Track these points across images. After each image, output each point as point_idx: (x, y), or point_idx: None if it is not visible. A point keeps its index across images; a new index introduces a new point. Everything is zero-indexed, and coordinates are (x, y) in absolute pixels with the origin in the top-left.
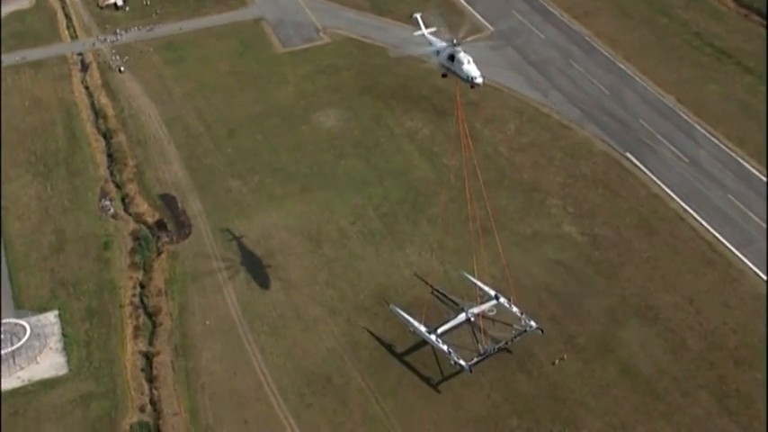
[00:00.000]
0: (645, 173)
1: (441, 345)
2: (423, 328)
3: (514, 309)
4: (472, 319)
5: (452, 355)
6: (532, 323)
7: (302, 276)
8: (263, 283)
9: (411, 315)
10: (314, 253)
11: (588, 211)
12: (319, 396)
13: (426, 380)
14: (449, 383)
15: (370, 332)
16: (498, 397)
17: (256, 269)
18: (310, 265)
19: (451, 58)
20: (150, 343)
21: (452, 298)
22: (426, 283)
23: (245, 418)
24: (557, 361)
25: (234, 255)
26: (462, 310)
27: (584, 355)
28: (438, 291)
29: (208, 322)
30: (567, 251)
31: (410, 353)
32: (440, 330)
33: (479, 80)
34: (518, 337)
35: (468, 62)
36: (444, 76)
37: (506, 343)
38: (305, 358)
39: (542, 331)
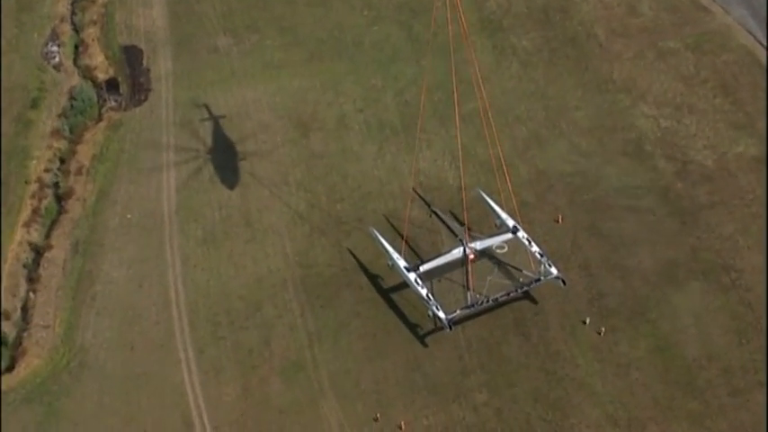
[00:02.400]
0: None
1: (419, 287)
2: (401, 263)
3: (534, 248)
4: (471, 256)
5: (431, 302)
6: (553, 270)
7: (271, 172)
8: (217, 175)
9: (392, 243)
10: (296, 143)
11: (689, 129)
12: (238, 329)
13: (412, 328)
14: (413, 335)
15: (351, 253)
16: (473, 361)
17: (214, 157)
18: (286, 159)
19: None
20: (48, 234)
21: (453, 225)
22: (424, 201)
23: (133, 344)
24: (587, 319)
25: (192, 134)
26: (460, 242)
27: (610, 321)
28: (437, 213)
29: (129, 216)
30: (639, 178)
31: (399, 290)
32: (423, 268)
33: None
34: (527, 288)
35: None
36: None
37: (508, 294)
38: (237, 277)
39: (564, 282)
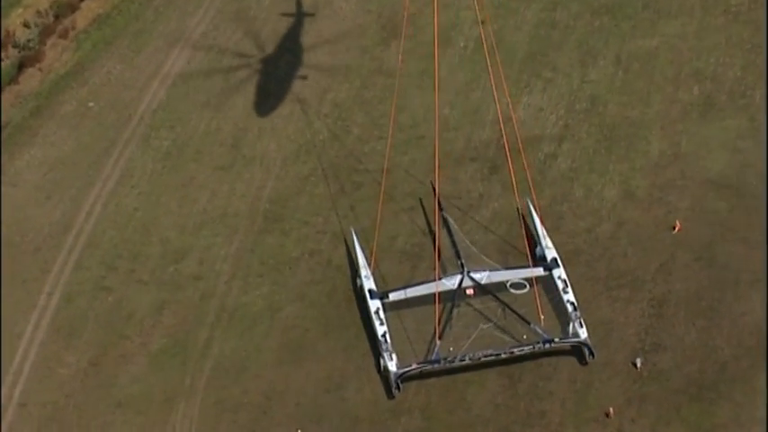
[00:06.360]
0: None
1: (378, 322)
2: (367, 283)
3: (569, 296)
4: (469, 291)
5: (384, 347)
6: (582, 332)
7: (307, 85)
8: (235, 77)
9: (365, 252)
10: (366, 52)
11: None
12: (134, 282)
13: (363, 335)
14: (357, 345)
15: (346, 214)
16: (418, 398)
17: (243, 50)
18: (338, 70)
19: None
20: None
21: (460, 242)
22: (434, 194)
23: None
24: (638, 361)
25: (234, 15)
26: (461, 268)
27: (646, 387)
28: (448, 221)
29: (91, 104)
30: None
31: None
32: (393, 296)
33: None
34: (527, 351)
35: None
36: None
37: (497, 355)
38: (176, 214)
39: (593, 355)
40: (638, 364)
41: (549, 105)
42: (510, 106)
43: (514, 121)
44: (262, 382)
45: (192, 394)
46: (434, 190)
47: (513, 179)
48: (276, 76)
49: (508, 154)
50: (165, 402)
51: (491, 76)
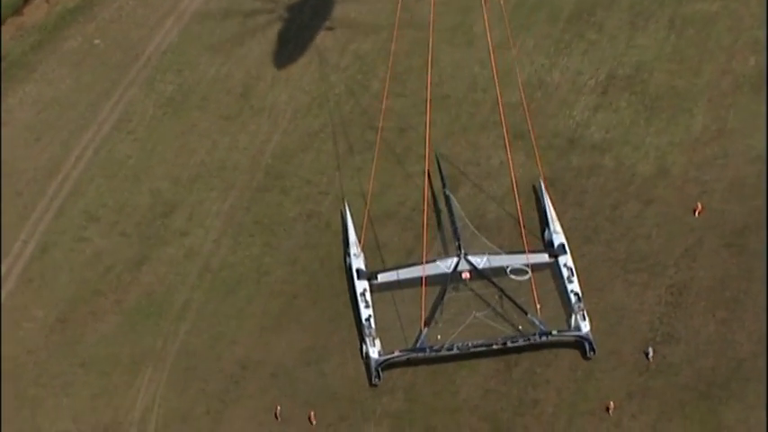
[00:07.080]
0: None
1: (363, 305)
2: (356, 262)
3: (574, 285)
4: (465, 275)
5: (368, 331)
6: (584, 326)
7: (330, 34)
8: (254, 20)
9: (357, 228)
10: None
11: None
12: (116, 234)
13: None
14: (345, 315)
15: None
16: (404, 378)
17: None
18: (365, 19)
19: None
20: None
21: (460, 223)
22: (439, 171)
23: None
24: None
25: None
26: (458, 251)
27: (652, 381)
28: (450, 199)
29: (97, 41)
30: None
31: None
32: (382, 277)
33: None
34: (521, 343)
35: None
36: None
37: (489, 345)
38: (172, 164)
39: (594, 350)
40: (650, 355)
41: (589, 69)
42: (519, 79)
43: (522, 93)
44: (238, 350)
45: (161, 358)
46: (435, 177)
47: (510, 158)
48: (299, 21)
49: (506, 138)
50: (132, 365)
51: (488, 35)
